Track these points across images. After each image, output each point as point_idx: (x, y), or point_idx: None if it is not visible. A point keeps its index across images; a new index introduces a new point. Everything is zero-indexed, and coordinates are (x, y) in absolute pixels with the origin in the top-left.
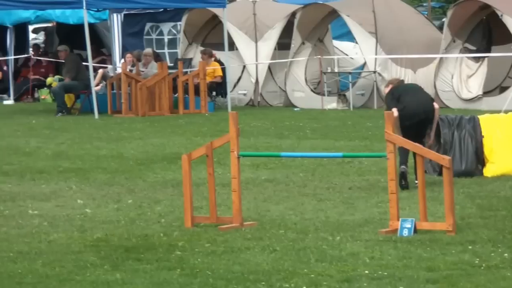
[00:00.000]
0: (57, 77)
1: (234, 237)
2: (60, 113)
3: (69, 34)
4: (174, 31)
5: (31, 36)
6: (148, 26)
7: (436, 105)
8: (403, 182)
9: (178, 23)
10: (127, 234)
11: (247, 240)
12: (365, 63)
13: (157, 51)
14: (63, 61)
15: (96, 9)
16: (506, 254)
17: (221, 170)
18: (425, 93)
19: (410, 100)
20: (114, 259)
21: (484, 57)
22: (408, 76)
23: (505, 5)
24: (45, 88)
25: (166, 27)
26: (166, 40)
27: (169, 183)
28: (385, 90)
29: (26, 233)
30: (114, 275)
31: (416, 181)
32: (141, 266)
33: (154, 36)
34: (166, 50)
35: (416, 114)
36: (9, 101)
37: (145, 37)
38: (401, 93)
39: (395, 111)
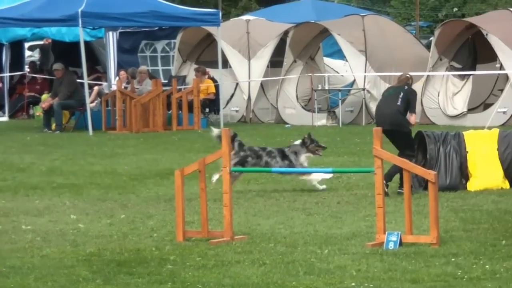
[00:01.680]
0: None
1: (224, 251)
2: (46, 129)
3: (64, 51)
4: (168, 48)
5: (27, 53)
6: (142, 43)
7: (411, 116)
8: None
9: (172, 40)
10: (120, 248)
11: (237, 253)
12: (354, 81)
13: (151, 68)
14: (55, 78)
15: (92, 27)
16: (487, 266)
17: (213, 185)
18: (395, 104)
19: (378, 109)
20: (106, 273)
21: (469, 75)
22: None
23: (490, 25)
24: (40, 105)
25: (160, 44)
26: (159, 57)
27: (161, 198)
28: None
29: (19, 248)
30: None
31: (400, 190)
32: (133, 280)
33: (148, 54)
34: (160, 67)
35: (381, 124)
36: (4, 118)
37: (139, 54)
38: (381, 99)
39: None
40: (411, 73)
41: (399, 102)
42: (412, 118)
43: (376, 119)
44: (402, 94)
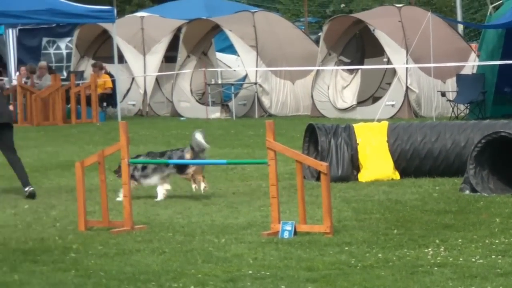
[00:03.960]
0: None
1: (125, 240)
2: None
3: None
4: (71, 45)
5: None
6: (44, 40)
7: None
8: None
9: (73, 38)
10: (24, 237)
11: (137, 242)
12: (246, 75)
13: (56, 64)
14: None
15: None
16: (380, 255)
17: (112, 176)
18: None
19: None
20: (12, 262)
21: (358, 69)
22: (287, 87)
23: (377, 21)
24: None
25: (62, 42)
26: (64, 54)
27: (63, 189)
28: None
29: None
30: (12, 277)
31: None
32: (37, 267)
33: (52, 51)
34: (64, 64)
35: None
36: None
37: (42, 51)
38: None
39: None
40: (301, 68)
41: None
42: None
43: None
44: None
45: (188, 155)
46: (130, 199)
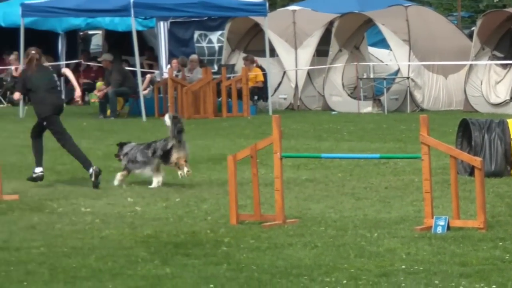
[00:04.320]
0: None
1: (277, 234)
2: (102, 115)
3: (117, 41)
4: (222, 39)
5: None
6: (196, 34)
7: None
8: None
9: (224, 31)
10: (176, 230)
11: (289, 236)
12: (398, 70)
13: (208, 58)
14: (105, 68)
15: (143, 17)
16: None
17: (264, 170)
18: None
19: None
20: (164, 255)
21: (511, 64)
22: (440, 82)
23: None
24: (94, 92)
25: (214, 35)
26: (216, 48)
27: (214, 183)
28: None
29: (79, 229)
30: (164, 270)
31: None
32: (189, 261)
33: (204, 44)
34: (216, 57)
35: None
36: None
37: (196, 44)
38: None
39: None
40: (455, 62)
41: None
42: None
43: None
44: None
45: (170, 143)
46: (282, 192)
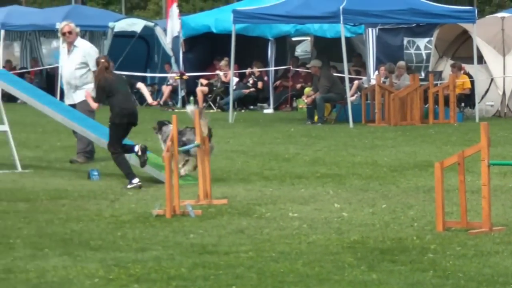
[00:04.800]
0: None
1: (483, 241)
2: (309, 121)
3: (326, 47)
4: (429, 46)
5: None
6: (405, 40)
7: None
8: None
9: (432, 38)
10: (382, 237)
11: (496, 244)
12: None
13: (416, 64)
14: (313, 74)
15: (352, 24)
16: None
17: (470, 177)
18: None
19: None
20: (370, 261)
21: None
22: None
23: None
24: (302, 98)
25: (421, 42)
26: (424, 55)
27: (420, 189)
28: None
29: (287, 234)
30: (371, 276)
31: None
32: (395, 267)
33: (412, 51)
34: (423, 64)
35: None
36: (269, 110)
37: (405, 51)
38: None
39: None
40: None
41: None
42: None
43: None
44: None
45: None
46: (489, 200)
